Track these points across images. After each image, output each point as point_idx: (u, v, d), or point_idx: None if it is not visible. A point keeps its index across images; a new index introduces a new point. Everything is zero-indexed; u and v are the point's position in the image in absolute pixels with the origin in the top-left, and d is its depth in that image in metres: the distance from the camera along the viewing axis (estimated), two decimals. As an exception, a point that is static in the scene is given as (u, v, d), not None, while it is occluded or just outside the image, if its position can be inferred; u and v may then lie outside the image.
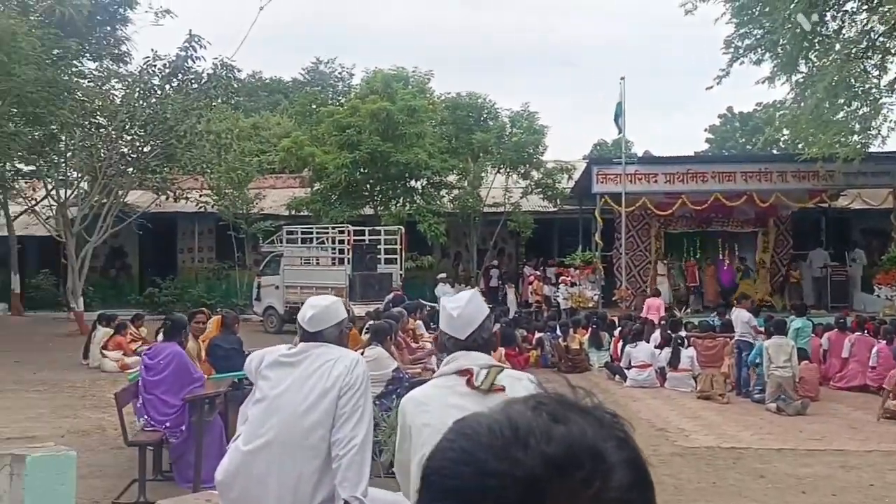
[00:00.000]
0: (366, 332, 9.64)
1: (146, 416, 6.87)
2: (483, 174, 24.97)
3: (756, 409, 11.46)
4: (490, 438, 0.82)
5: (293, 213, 24.23)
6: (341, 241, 20.15)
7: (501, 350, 13.86)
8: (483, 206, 24.45)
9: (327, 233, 20.87)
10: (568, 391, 0.92)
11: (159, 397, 6.87)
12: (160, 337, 7.56)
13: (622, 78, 20.39)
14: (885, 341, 12.76)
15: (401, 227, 21.04)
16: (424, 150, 22.80)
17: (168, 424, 6.76)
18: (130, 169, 20.35)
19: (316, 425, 3.41)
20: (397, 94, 23.31)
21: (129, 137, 20.29)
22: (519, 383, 2.69)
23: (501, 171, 24.90)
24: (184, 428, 6.80)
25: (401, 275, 20.38)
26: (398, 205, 23.74)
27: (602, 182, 20.35)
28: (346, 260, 19.50)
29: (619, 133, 21.65)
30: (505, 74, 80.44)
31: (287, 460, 3.40)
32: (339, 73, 43.95)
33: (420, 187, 24.24)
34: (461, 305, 2.87)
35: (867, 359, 12.67)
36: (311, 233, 21.25)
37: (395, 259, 20.35)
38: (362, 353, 8.01)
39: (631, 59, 79.82)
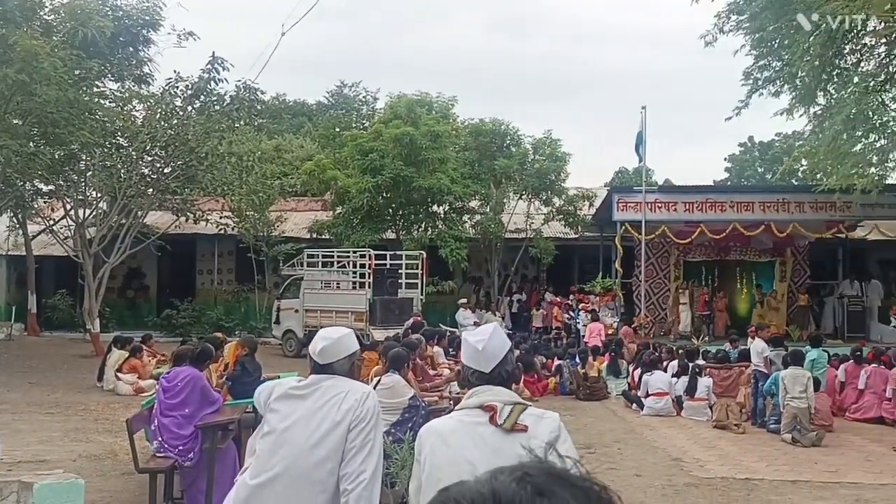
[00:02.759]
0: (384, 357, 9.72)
1: (160, 439, 6.95)
2: (505, 200, 25.03)
3: (771, 440, 11.43)
4: None
5: (314, 236, 24.35)
6: (362, 266, 20.12)
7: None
8: (505, 231, 24.47)
9: (348, 257, 20.90)
10: (558, 460, 0.94)
11: (177, 419, 6.95)
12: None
13: (643, 107, 20.46)
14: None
15: (422, 251, 21.06)
16: (447, 175, 22.89)
17: (180, 448, 6.84)
18: (150, 190, 20.45)
19: (324, 459, 3.37)
20: (421, 119, 23.44)
21: (149, 158, 20.38)
22: (542, 422, 2.68)
23: (523, 197, 24.96)
24: (196, 450, 6.86)
25: (421, 300, 20.41)
26: (420, 230, 23.81)
27: (623, 210, 20.36)
28: (366, 284, 19.49)
29: (640, 162, 21.68)
30: (528, 101, 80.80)
31: (294, 495, 3.36)
32: (364, 97, 44.32)
33: (442, 212, 24.29)
34: (485, 339, 2.83)
35: (883, 390, 12.60)
36: (332, 256, 21.29)
37: (417, 284, 20.36)
38: (379, 380, 8.14)
39: (653, 88, 79.86)
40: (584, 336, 19.46)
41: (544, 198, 24.56)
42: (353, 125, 33.59)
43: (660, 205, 20.41)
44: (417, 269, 20.44)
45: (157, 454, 6.93)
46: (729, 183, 44.90)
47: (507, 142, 25.13)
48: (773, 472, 9.41)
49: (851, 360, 13.88)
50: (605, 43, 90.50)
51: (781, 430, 11.36)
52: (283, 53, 71.49)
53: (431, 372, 10.88)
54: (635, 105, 35.04)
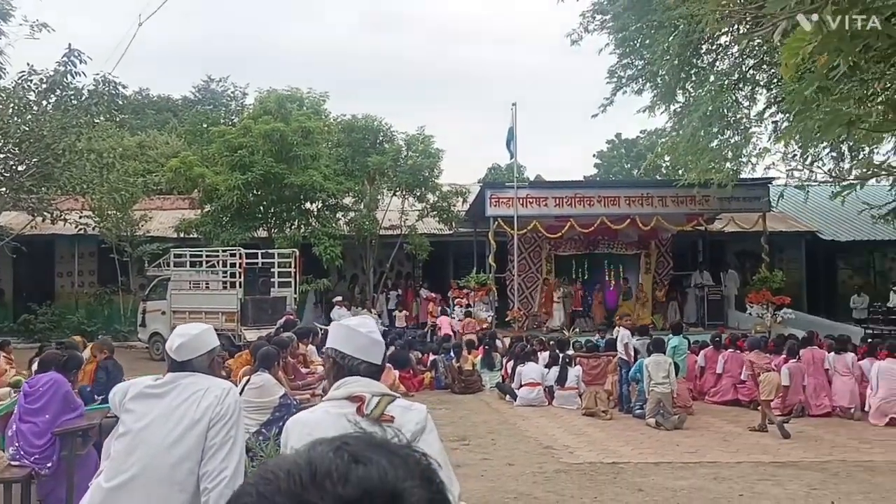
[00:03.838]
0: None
1: (17, 445, 6.60)
2: (379, 197, 24.99)
3: (637, 425, 11.88)
4: (288, 482, 0.82)
5: (182, 235, 23.61)
6: (233, 265, 19.73)
7: (395, 373, 13.94)
8: (379, 228, 24.43)
9: (218, 256, 20.40)
10: (378, 430, 0.94)
11: (36, 425, 6.62)
12: (34, 367, 7.32)
13: (513, 104, 20.83)
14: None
15: (295, 249, 20.79)
16: (319, 172, 22.65)
17: (37, 456, 6.51)
18: (3, 189, 19.33)
19: (183, 458, 3.28)
20: (291, 115, 23.09)
21: (1, 155, 19.30)
22: (409, 413, 2.69)
23: (397, 193, 24.96)
24: (55, 458, 6.55)
25: (295, 298, 20.13)
26: (293, 227, 23.45)
27: (495, 205, 20.64)
28: (237, 284, 19.09)
29: (512, 158, 22.05)
30: (400, 98, 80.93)
31: (152, 496, 3.25)
32: (232, 93, 43.09)
33: (315, 210, 24.02)
34: (375, 329, 2.85)
35: (739, 374, 13.31)
36: (201, 256, 20.71)
37: (290, 282, 20.08)
38: (248, 380, 7.95)
39: (526, 85, 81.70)
40: (438, 329, 20.11)
41: (418, 194, 24.64)
42: (222, 121, 32.73)
43: (531, 200, 20.83)
44: (290, 267, 20.14)
45: (12, 462, 6.58)
46: (598, 178, 46.38)
47: (380, 138, 25.07)
48: (637, 454, 9.78)
49: (711, 346, 14.60)
50: (477, 41, 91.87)
51: (646, 414, 11.83)
52: (147, 47, 68.95)
53: (304, 370, 10.73)
54: (508, 102, 35.72)
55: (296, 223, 23.56)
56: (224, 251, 20.33)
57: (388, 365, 12.88)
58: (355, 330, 2.83)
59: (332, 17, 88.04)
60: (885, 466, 9.03)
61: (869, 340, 15.51)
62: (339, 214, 24.60)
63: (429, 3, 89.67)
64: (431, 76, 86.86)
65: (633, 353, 13.39)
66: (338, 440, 0.88)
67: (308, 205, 23.81)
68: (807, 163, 15.41)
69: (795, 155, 15.88)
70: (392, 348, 16.30)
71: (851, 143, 13.35)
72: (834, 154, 16.14)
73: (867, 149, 10.84)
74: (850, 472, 8.71)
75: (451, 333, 18.36)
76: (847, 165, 15.48)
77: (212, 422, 3.35)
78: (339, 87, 76.00)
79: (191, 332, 3.62)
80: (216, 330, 3.86)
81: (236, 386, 7.51)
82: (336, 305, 21.80)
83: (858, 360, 12.92)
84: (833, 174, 14.98)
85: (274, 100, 24.12)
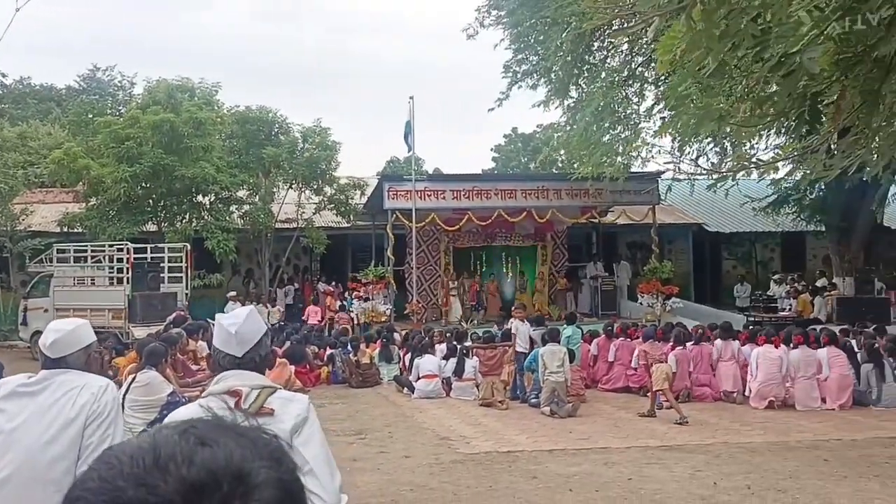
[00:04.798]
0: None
1: None
2: (275, 190, 24.58)
3: (532, 414, 12.08)
4: (131, 466, 0.80)
5: (66, 229, 22.62)
6: (120, 260, 19.12)
7: (291, 368, 13.74)
8: (275, 221, 24.06)
9: (104, 251, 19.69)
10: (228, 413, 0.92)
11: None
12: None
13: (411, 97, 20.83)
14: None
15: (186, 244, 20.28)
16: (212, 164, 22.12)
17: None
18: None
19: (59, 458, 3.17)
20: (182, 106, 22.44)
21: None
22: (290, 405, 2.65)
23: (294, 186, 24.60)
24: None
25: (186, 294, 19.61)
26: (184, 221, 22.86)
27: (393, 198, 20.62)
28: (125, 279, 18.48)
29: (409, 151, 22.06)
30: (296, 91, 79.82)
31: (27, 497, 3.13)
32: (119, 82, 41.47)
33: (208, 203, 23.46)
34: (239, 322, 2.81)
35: (629, 362, 13.72)
36: (86, 251, 19.95)
37: (181, 277, 19.56)
38: (134, 378, 7.68)
39: (425, 79, 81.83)
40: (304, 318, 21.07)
41: (315, 187, 24.38)
42: (108, 111, 31.44)
43: (429, 193, 20.90)
44: (181, 262, 19.61)
45: None
46: (495, 172, 46.93)
47: (276, 130, 24.69)
48: (532, 443, 9.94)
49: (603, 336, 14.98)
50: (375, 34, 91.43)
51: (541, 403, 12.03)
52: (28, 34, 65.71)
53: (194, 367, 10.46)
54: (405, 95, 35.41)
55: (187, 217, 22.98)
56: (111, 246, 19.70)
57: (283, 360, 12.74)
58: (219, 323, 2.86)
59: (221, 7, 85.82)
60: (764, 447, 9.47)
61: (749, 327, 16.28)
62: (232, 207, 24.07)
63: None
64: (328, 68, 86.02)
65: (528, 343, 13.60)
66: (185, 424, 0.86)
67: (200, 198, 23.23)
68: (691, 158, 16.04)
69: (681, 148, 16.49)
70: (288, 343, 16.08)
71: (733, 139, 13.95)
72: (717, 149, 16.84)
73: (747, 144, 11.34)
74: (731, 454, 9.09)
75: (317, 323, 19.53)
76: (728, 160, 16.19)
77: (88, 420, 3.25)
78: (232, 78, 74.32)
79: (65, 327, 3.52)
80: (103, 328, 3.73)
81: (121, 386, 7.27)
82: (230, 301, 21.33)
83: (741, 346, 13.52)
84: (715, 168, 15.65)
85: (163, 90, 23.40)
